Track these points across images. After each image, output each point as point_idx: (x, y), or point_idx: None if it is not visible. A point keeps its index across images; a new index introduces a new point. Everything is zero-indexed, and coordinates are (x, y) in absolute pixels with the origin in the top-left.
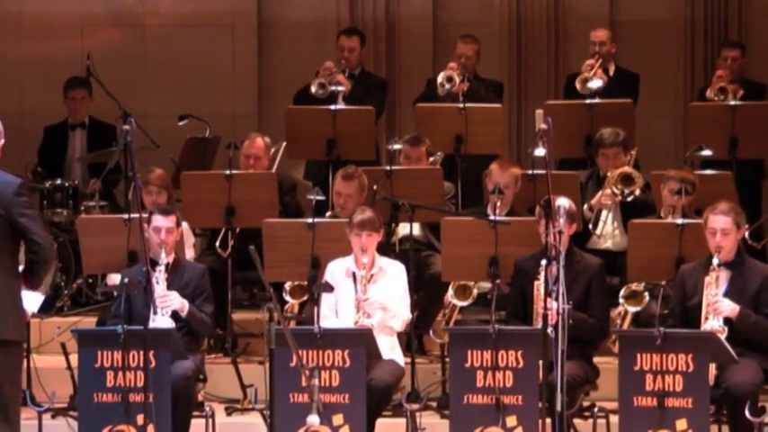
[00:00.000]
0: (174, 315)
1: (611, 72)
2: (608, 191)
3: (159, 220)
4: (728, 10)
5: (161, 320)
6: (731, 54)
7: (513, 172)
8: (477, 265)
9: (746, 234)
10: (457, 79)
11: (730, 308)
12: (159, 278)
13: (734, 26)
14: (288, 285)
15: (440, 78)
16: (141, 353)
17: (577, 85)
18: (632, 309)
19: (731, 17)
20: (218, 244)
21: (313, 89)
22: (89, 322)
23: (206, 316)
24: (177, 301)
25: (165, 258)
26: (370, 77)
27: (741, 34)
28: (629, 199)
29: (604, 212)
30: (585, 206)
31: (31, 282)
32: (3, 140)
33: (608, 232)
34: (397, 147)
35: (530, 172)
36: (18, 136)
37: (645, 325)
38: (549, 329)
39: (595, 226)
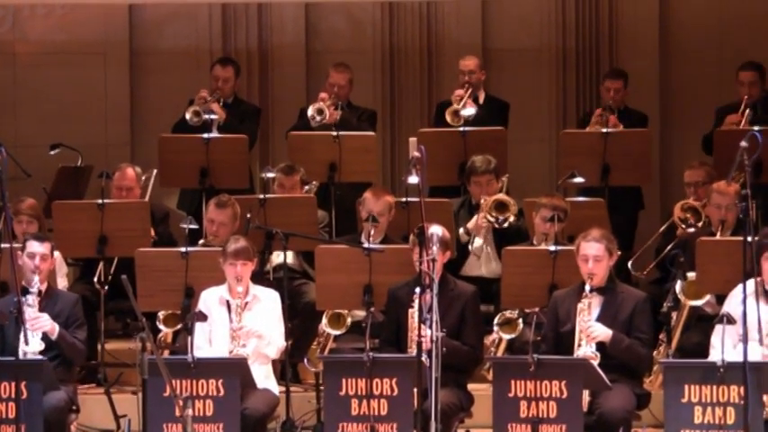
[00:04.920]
0: (47, 340)
1: (481, 100)
2: (483, 215)
3: (34, 246)
4: (600, 39)
5: (32, 343)
6: (614, 85)
7: (387, 200)
8: (352, 294)
9: (629, 264)
10: (327, 111)
11: (603, 332)
12: (31, 300)
13: (605, 55)
14: (161, 314)
15: (310, 111)
16: (13, 384)
17: (448, 118)
18: (506, 336)
19: (602, 46)
20: (96, 279)
21: (187, 116)
22: None
23: (78, 341)
24: (48, 323)
25: (37, 283)
26: (243, 105)
27: (612, 63)
28: (504, 225)
29: (478, 240)
30: (462, 230)
31: None
32: None
33: (481, 259)
34: (270, 175)
35: (403, 200)
36: None
37: (519, 352)
38: (424, 357)
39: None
